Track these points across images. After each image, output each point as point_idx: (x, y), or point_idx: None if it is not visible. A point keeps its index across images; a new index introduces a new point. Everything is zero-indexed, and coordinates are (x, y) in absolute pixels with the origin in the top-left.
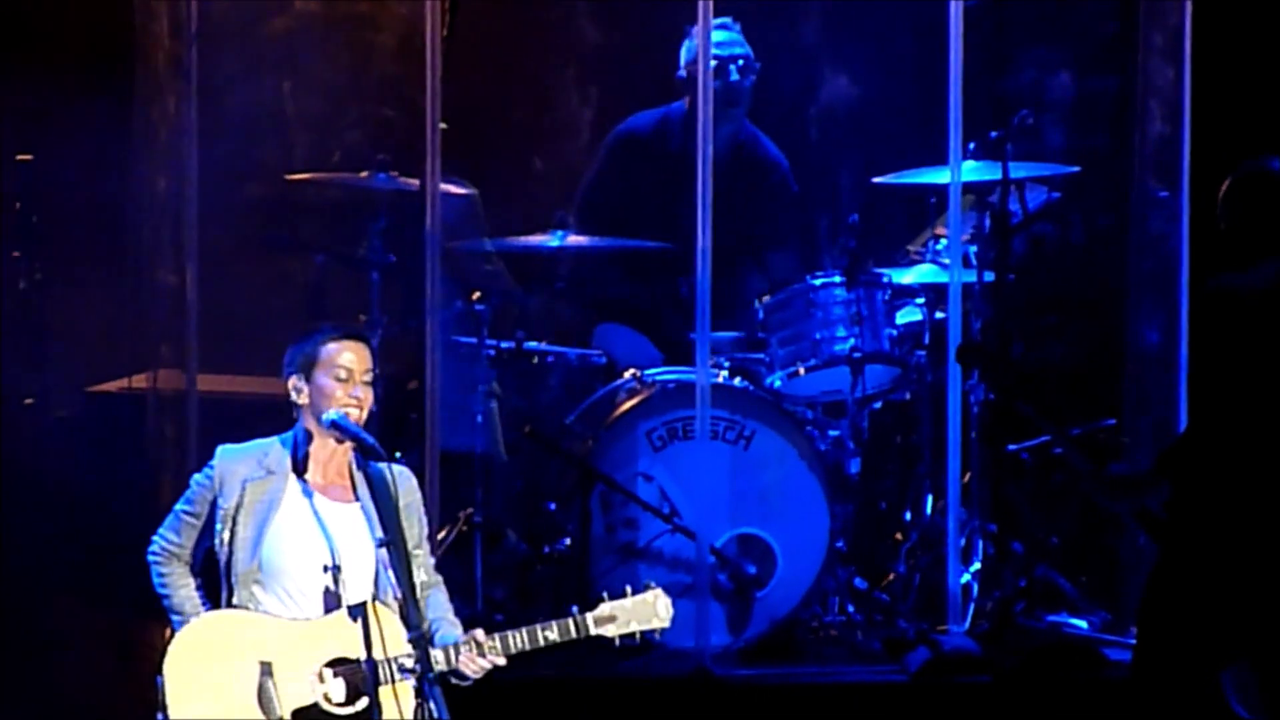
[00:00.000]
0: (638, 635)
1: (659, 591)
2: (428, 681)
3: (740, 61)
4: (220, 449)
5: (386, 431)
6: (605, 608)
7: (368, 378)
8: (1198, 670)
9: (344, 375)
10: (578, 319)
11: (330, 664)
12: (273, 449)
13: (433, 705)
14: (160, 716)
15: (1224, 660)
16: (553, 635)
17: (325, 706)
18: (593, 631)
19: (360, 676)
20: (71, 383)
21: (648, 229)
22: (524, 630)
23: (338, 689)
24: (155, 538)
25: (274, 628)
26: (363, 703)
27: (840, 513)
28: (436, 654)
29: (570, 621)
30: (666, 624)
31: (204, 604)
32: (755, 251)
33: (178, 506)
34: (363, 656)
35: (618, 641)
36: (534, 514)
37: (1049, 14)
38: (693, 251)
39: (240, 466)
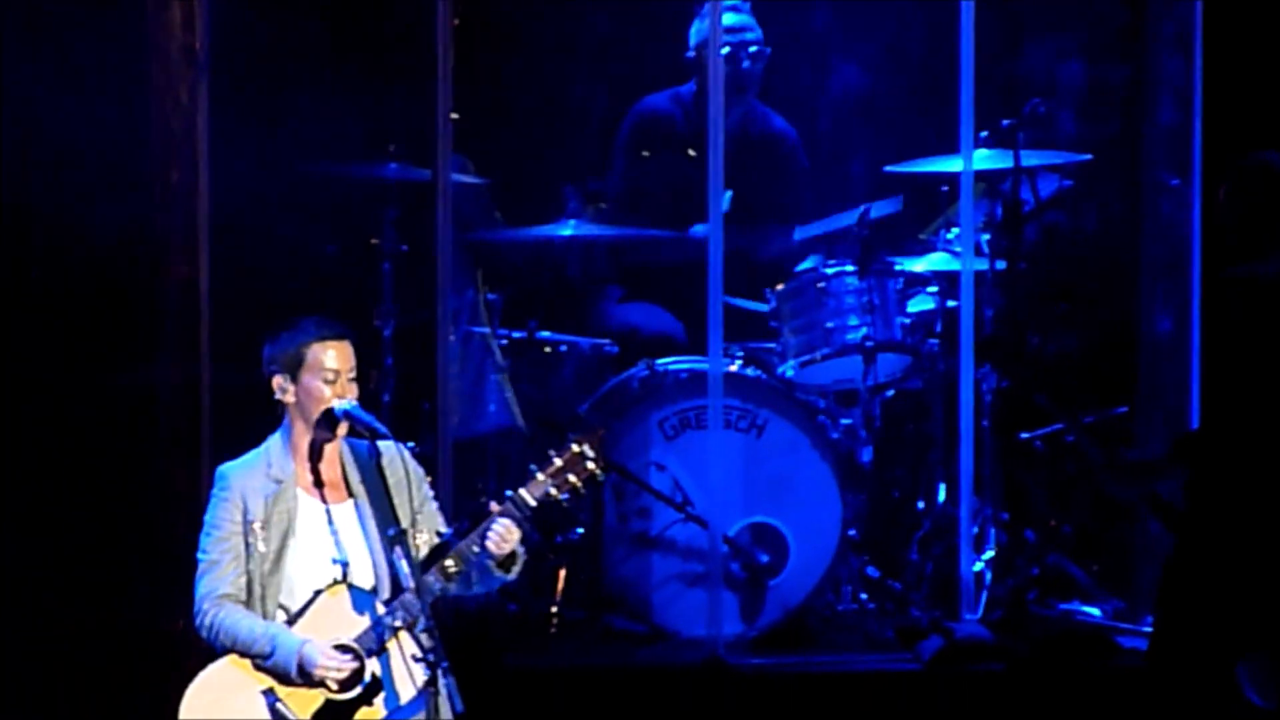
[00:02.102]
0: (579, 486)
1: (580, 439)
2: (441, 671)
3: (753, 49)
4: (224, 469)
5: (400, 421)
6: (538, 475)
7: (353, 374)
8: (1214, 659)
9: (332, 377)
10: (593, 307)
11: None
12: (274, 455)
13: (446, 695)
14: None
15: (1240, 649)
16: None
17: (336, 699)
18: (532, 502)
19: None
20: (84, 374)
21: (667, 211)
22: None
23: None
24: (199, 602)
25: None
26: (366, 680)
27: (853, 501)
28: (470, 546)
29: (512, 502)
30: (600, 464)
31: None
32: (780, 222)
33: (209, 550)
34: (347, 637)
35: (563, 500)
36: (548, 503)
37: (1060, 2)
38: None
39: (253, 481)
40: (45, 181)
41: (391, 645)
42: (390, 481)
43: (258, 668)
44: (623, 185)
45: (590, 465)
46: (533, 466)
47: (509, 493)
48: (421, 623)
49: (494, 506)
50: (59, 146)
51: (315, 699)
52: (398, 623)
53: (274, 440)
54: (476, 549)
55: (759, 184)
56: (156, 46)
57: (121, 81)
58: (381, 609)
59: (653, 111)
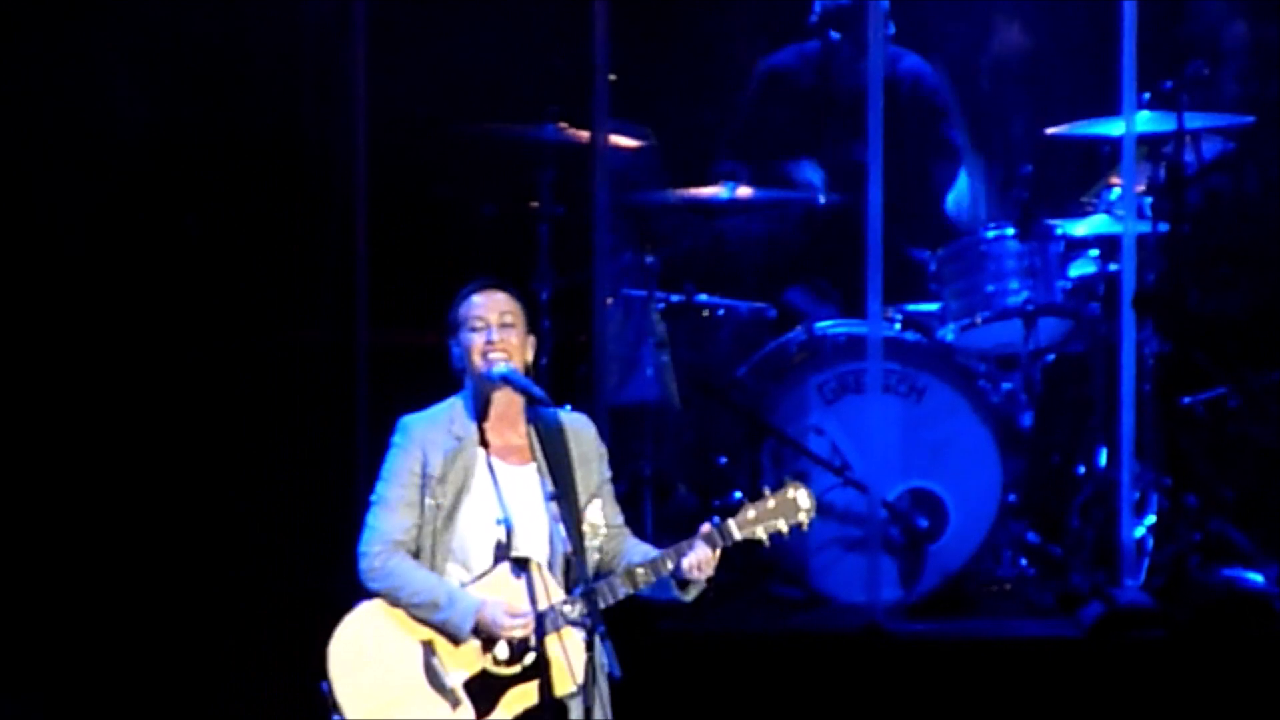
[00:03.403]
0: (785, 531)
1: (796, 484)
2: (598, 635)
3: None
4: (406, 420)
5: (556, 384)
6: (749, 511)
7: (506, 320)
8: None
9: (479, 325)
10: (752, 271)
11: None
12: (456, 414)
13: (603, 658)
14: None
15: None
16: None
17: (493, 670)
18: (737, 537)
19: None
20: (240, 336)
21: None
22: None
23: (502, 650)
24: (370, 541)
25: None
26: (529, 658)
27: (1012, 466)
28: (665, 561)
29: (719, 532)
30: (812, 513)
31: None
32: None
33: (385, 494)
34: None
35: (767, 541)
36: (705, 467)
37: None
38: (862, 199)
39: (434, 434)
40: (202, 144)
41: (558, 637)
42: (574, 454)
43: (420, 621)
44: (742, 135)
45: (801, 516)
46: (740, 496)
47: (716, 520)
48: (580, 587)
49: (703, 529)
50: (213, 108)
51: (473, 666)
52: (574, 615)
53: (458, 400)
54: (671, 565)
55: (895, 131)
56: (313, 5)
57: (276, 40)
58: (558, 592)
59: (779, 68)
